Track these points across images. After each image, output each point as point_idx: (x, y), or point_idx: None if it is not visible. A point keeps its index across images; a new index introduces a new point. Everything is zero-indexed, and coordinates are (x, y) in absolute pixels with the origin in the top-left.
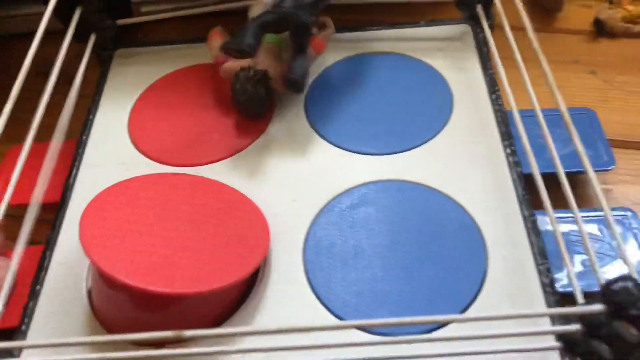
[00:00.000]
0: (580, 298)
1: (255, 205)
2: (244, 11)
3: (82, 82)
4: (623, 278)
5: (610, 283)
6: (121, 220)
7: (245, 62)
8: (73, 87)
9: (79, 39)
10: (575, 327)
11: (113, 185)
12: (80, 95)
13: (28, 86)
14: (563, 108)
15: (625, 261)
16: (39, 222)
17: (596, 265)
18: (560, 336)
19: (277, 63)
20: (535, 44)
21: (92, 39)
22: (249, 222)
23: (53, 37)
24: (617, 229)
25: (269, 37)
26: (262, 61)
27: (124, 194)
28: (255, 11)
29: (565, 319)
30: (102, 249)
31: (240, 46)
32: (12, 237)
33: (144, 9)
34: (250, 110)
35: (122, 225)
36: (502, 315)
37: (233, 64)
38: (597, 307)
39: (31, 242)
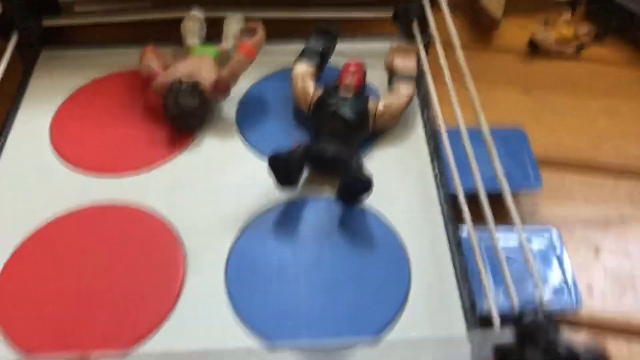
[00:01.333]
0: (496, 323)
1: (171, 234)
2: (179, 20)
3: (6, 81)
4: (531, 306)
5: (521, 314)
6: (36, 279)
7: (177, 75)
8: None
9: (2, 35)
10: (488, 356)
11: (29, 239)
12: (3, 94)
13: None
14: (485, 129)
15: (537, 286)
16: None
17: (512, 288)
18: None
19: (213, 74)
20: (462, 64)
21: (15, 37)
22: (162, 259)
23: None
24: (535, 249)
25: (204, 49)
26: (199, 72)
27: (37, 249)
28: (231, 27)
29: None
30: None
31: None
32: None
33: (77, 9)
34: (184, 122)
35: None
36: (413, 341)
37: (165, 80)
38: (508, 337)
39: None
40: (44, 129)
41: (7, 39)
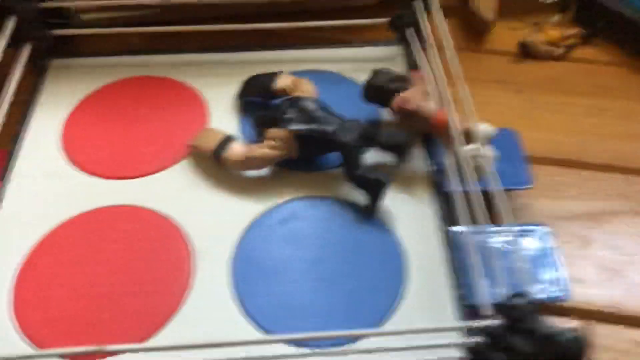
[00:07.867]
0: (488, 311)
1: (179, 233)
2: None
3: (19, 89)
4: (518, 294)
5: (506, 299)
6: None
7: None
8: (5, 96)
9: (15, 46)
10: (478, 339)
11: (42, 241)
12: (17, 102)
13: None
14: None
15: (522, 276)
16: None
17: (501, 280)
18: (467, 347)
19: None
20: (457, 67)
21: (27, 48)
22: (171, 260)
23: None
24: (527, 245)
25: None
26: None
27: (51, 250)
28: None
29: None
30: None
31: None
32: None
33: (83, 17)
34: None
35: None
36: (410, 329)
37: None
38: (495, 322)
39: None
40: (55, 135)
41: (20, 50)
